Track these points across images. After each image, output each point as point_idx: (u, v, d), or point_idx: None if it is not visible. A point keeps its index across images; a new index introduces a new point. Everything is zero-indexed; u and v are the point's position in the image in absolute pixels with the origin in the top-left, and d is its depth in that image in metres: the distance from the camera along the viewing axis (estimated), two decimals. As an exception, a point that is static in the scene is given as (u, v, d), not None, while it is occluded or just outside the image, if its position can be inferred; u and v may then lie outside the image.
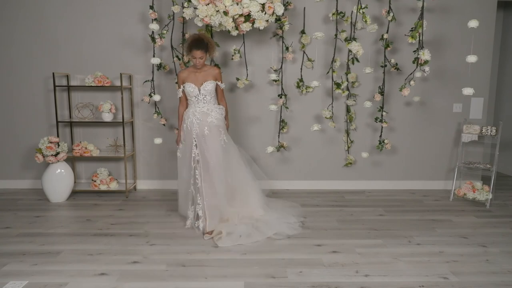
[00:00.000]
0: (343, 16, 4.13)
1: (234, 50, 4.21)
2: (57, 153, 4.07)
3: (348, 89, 4.37)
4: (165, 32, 4.09)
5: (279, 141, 4.42)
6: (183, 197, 3.58)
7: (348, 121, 4.45)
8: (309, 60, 4.31)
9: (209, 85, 3.37)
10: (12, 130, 4.52)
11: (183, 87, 3.43)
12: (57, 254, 2.90)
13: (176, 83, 4.24)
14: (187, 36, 4.25)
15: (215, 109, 3.43)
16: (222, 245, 3.08)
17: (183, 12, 3.86)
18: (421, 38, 3.91)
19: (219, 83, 3.45)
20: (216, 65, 4.17)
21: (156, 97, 4.22)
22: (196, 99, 3.38)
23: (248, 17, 3.68)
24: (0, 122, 4.51)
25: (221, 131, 3.43)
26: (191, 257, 2.87)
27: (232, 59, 4.23)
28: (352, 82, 4.36)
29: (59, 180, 4.09)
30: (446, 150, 4.62)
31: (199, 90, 3.36)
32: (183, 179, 3.50)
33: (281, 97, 4.31)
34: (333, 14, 4.13)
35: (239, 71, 4.37)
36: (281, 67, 4.35)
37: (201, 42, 3.28)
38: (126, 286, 2.47)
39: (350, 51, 4.09)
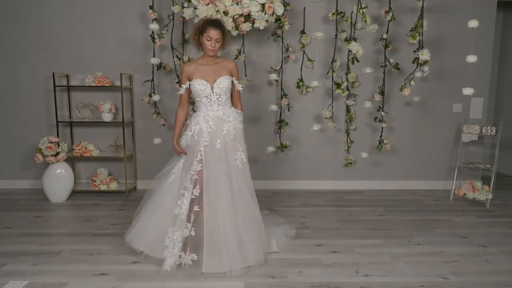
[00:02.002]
0: (343, 16, 4.13)
1: (236, 50, 4.21)
2: (57, 153, 4.07)
3: (348, 89, 4.37)
4: (164, 32, 4.09)
5: (281, 141, 4.42)
6: (159, 224, 2.66)
7: (348, 121, 4.45)
8: (309, 60, 4.31)
9: (224, 82, 2.72)
10: (12, 130, 4.51)
11: (189, 84, 2.75)
12: (57, 254, 2.89)
13: (177, 82, 4.26)
14: (187, 36, 4.25)
15: (232, 114, 2.76)
16: (283, 246, 2.95)
17: (183, 12, 3.86)
18: (421, 38, 3.91)
19: (235, 80, 2.81)
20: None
21: (156, 97, 4.22)
22: (208, 100, 2.71)
23: (248, 17, 3.68)
24: (0, 122, 4.51)
25: (239, 147, 2.73)
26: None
27: (237, 58, 4.22)
28: (352, 82, 4.36)
29: (59, 180, 4.09)
30: (446, 150, 4.62)
31: (212, 88, 2.70)
32: (169, 200, 2.68)
33: (283, 98, 4.31)
34: (333, 14, 4.13)
35: (238, 71, 4.36)
36: (281, 67, 4.35)
37: (219, 22, 2.71)
38: (126, 286, 2.47)
39: (350, 51, 4.09)
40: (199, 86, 2.70)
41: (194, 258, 2.58)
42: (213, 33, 2.63)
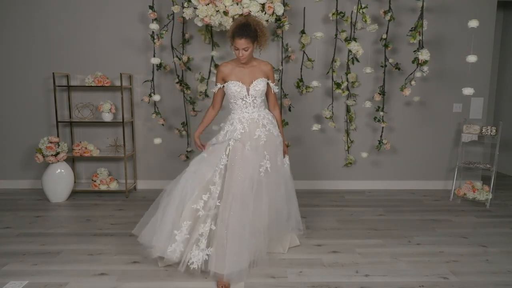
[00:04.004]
0: (343, 16, 4.13)
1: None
2: (57, 153, 4.07)
3: (348, 89, 4.37)
4: (164, 32, 4.09)
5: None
6: (172, 207, 2.53)
7: (348, 121, 4.45)
8: (309, 60, 4.31)
9: (260, 85, 2.65)
10: (12, 130, 4.51)
11: (224, 85, 2.70)
12: (57, 254, 2.89)
13: (177, 82, 4.26)
14: (187, 36, 4.26)
15: (267, 116, 2.71)
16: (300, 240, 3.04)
17: (183, 12, 3.86)
18: (421, 38, 3.92)
19: (271, 83, 2.75)
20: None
21: (156, 97, 4.22)
22: (244, 102, 2.65)
23: (248, 16, 3.68)
24: (0, 122, 4.51)
25: (266, 155, 2.64)
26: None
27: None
28: (352, 82, 4.36)
29: (59, 180, 4.09)
30: (446, 150, 4.62)
31: (248, 90, 2.64)
32: (200, 173, 2.56)
33: (285, 98, 4.31)
34: (333, 14, 4.13)
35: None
36: (282, 66, 4.34)
37: (247, 27, 2.54)
38: (126, 286, 2.47)
39: (350, 51, 4.09)
40: (235, 88, 2.63)
41: (209, 253, 2.49)
42: (239, 42, 2.53)
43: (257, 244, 2.58)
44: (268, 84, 2.74)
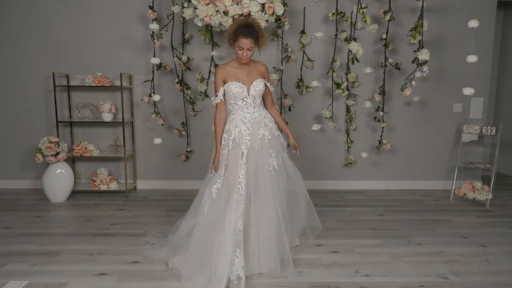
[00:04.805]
0: (343, 16, 4.13)
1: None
2: (57, 153, 4.07)
3: (348, 89, 4.36)
4: (164, 32, 4.09)
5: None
6: (203, 248, 2.48)
7: (348, 121, 4.45)
8: (309, 60, 4.31)
9: (260, 85, 2.68)
10: (12, 130, 4.51)
11: (224, 88, 2.67)
12: (57, 254, 2.90)
13: (177, 82, 4.26)
14: (187, 36, 4.26)
15: (268, 116, 2.75)
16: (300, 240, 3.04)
17: (183, 12, 3.86)
18: (421, 38, 3.92)
19: (267, 83, 2.79)
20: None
21: (156, 97, 4.22)
22: (244, 102, 2.66)
23: (248, 17, 3.68)
24: (0, 122, 4.51)
25: (272, 153, 2.67)
26: (191, 257, 2.86)
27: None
28: (352, 82, 4.36)
29: (59, 180, 4.09)
30: (446, 150, 4.62)
31: (248, 90, 2.66)
32: (214, 219, 2.50)
33: (284, 98, 4.31)
34: (333, 14, 4.13)
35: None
36: (282, 66, 4.34)
37: (252, 28, 2.54)
38: (126, 286, 2.47)
39: (350, 51, 4.09)
40: (236, 88, 2.62)
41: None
42: (244, 42, 2.52)
43: (282, 240, 2.64)
44: (265, 84, 2.77)
